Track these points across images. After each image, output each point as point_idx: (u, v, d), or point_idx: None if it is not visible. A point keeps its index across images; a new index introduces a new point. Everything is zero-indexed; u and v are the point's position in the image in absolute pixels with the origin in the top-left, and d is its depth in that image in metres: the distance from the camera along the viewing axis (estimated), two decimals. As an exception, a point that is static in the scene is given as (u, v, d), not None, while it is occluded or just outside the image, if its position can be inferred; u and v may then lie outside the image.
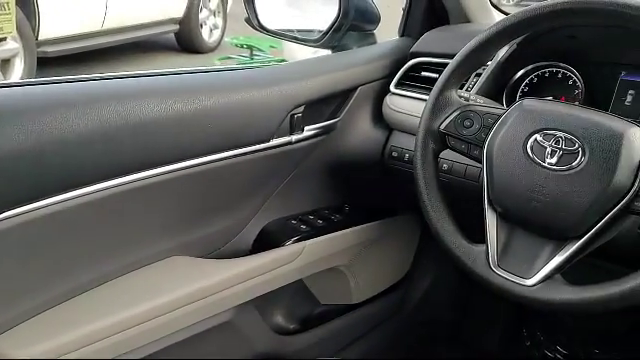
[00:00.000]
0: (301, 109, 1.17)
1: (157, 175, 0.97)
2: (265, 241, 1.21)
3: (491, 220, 0.88)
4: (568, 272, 0.83)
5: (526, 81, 1.17)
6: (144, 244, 1.03)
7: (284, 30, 1.47)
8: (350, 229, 1.29)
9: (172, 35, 5.83)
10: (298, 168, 1.23)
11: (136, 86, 1.00)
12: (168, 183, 1.00)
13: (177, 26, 5.67)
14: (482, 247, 0.88)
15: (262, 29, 1.43)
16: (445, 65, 0.98)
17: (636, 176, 0.77)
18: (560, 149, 0.82)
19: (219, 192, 1.12)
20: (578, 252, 0.81)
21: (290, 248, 1.18)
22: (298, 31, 1.46)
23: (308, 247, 1.20)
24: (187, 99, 0.99)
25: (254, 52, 5.29)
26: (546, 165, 0.82)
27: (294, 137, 1.16)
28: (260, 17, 1.42)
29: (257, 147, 1.10)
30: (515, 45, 1.10)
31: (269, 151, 1.12)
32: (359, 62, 1.31)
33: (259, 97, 1.09)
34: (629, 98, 1.06)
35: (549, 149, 0.82)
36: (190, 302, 1.03)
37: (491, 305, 1.65)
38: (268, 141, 1.11)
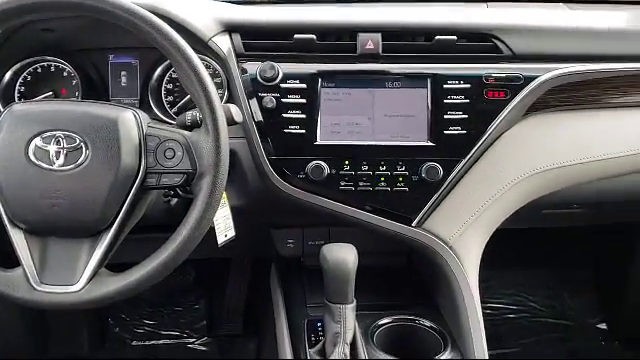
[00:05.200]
0: None
1: None
2: None
3: (19, 239, 0.82)
4: (125, 257, 0.84)
5: (20, 81, 1.10)
6: None
7: None
8: None
9: None
10: None
11: None
12: None
13: None
14: (19, 270, 0.81)
15: None
16: None
17: (140, 156, 0.82)
18: (63, 149, 0.80)
19: None
20: (115, 239, 0.83)
21: None
22: None
23: None
24: None
25: None
26: (55, 168, 0.80)
27: None
28: None
29: None
30: (-9, 46, 1.01)
31: None
32: None
33: None
34: (124, 79, 1.12)
35: (53, 151, 0.80)
36: None
37: (68, 313, 1.59)
38: None
